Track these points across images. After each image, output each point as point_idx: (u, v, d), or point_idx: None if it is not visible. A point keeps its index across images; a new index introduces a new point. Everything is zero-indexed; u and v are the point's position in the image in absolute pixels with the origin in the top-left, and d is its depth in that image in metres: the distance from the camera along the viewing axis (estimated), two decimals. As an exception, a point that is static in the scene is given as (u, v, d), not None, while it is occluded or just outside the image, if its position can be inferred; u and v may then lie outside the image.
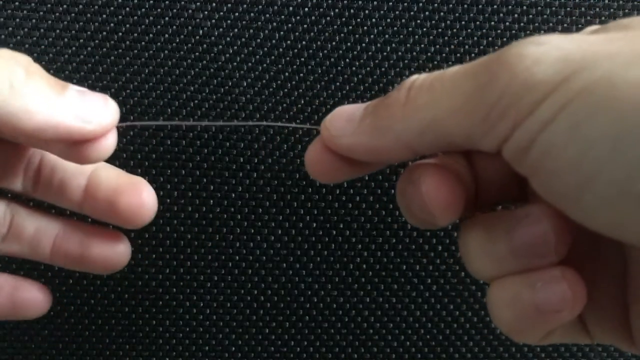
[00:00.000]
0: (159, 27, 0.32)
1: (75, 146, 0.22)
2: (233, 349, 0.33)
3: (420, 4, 0.32)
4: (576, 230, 0.19)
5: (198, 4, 0.32)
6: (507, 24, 0.32)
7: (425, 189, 0.20)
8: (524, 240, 0.19)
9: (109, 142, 0.23)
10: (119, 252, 0.26)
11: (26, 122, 0.20)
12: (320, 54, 0.32)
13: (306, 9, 0.32)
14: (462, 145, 0.19)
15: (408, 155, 0.20)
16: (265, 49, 0.32)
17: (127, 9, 0.32)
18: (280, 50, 0.32)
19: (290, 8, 0.32)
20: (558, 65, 0.16)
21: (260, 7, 0.32)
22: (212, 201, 0.32)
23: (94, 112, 0.22)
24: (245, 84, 0.32)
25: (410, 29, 0.32)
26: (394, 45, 0.32)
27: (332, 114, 0.22)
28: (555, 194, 0.17)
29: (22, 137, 0.22)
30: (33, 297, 0.27)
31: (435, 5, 0.32)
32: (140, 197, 0.25)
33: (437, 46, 0.32)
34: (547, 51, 0.16)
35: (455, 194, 0.20)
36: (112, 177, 0.25)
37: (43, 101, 0.21)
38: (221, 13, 0.32)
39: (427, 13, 0.32)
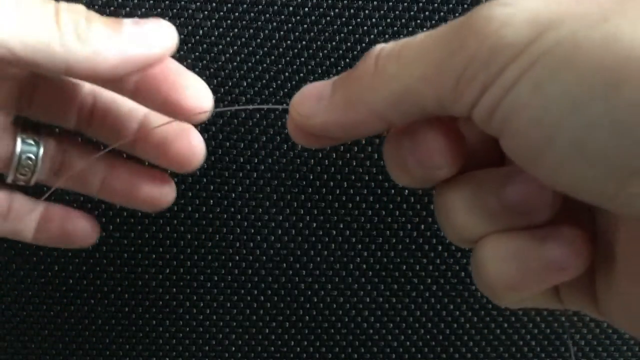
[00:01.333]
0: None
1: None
2: (233, 349, 0.33)
3: (420, 4, 0.32)
4: None
5: (198, 4, 0.32)
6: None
7: (432, 137, 0.20)
8: (520, 196, 0.19)
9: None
10: (164, 193, 0.27)
11: (99, 64, 0.21)
12: (320, 54, 0.32)
13: (306, 9, 0.32)
14: (435, 112, 0.18)
15: (383, 126, 0.20)
16: (265, 49, 0.32)
17: (127, 9, 0.32)
18: (280, 50, 0.32)
19: (290, 8, 0.32)
20: (525, 27, 0.16)
21: (260, 7, 0.32)
22: (212, 201, 0.32)
23: (154, 37, 0.23)
24: (245, 84, 0.32)
25: (410, 29, 0.32)
26: (394, 45, 0.32)
27: (300, 94, 0.21)
28: (519, 155, 0.17)
29: (101, 80, 0.23)
30: (81, 228, 0.27)
31: (435, 5, 0.32)
32: (189, 143, 0.26)
33: (437, 46, 0.32)
34: (514, 13, 0.16)
35: (458, 144, 0.20)
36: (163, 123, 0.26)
37: (108, 42, 0.22)
38: (221, 13, 0.32)
39: (427, 13, 0.32)
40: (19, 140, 0.26)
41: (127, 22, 0.23)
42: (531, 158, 0.17)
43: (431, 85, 0.18)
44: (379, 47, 0.20)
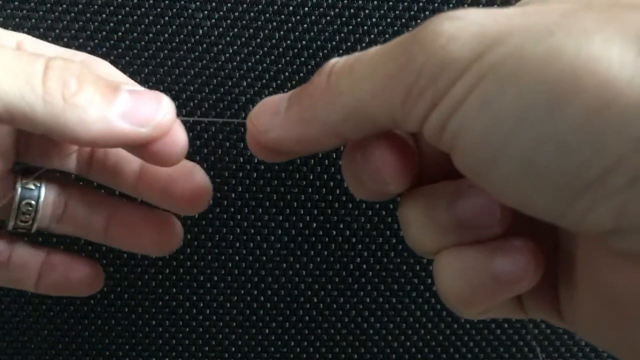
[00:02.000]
0: (158, 26, 0.32)
1: (144, 150, 0.22)
2: (233, 349, 0.33)
3: (420, 4, 0.32)
4: None
5: (198, 3, 0.32)
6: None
7: (379, 154, 0.20)
8: (469, 211, 0.19)
9: (179, 141, 0.22)
10: (170, 237, 0.26)
11: (81, 133, 0.20)
12: (320, 54, 0.32)
13: (306, 9, 0.32)
14: (387, 127, 0.18)
15: (337, 142, 0.20)
16: (265, 48, 0.32)
17: (127, 8, 0.31)
18: (280, 50, 0.32)
19: (290, 8, 0.32)
20: (473, 42, 0.16)
21: (260, 6, 0.32)
22: (212, 201, 0.32)
23: (147, 115, 0.21)
24: (245, 83, 0.32)
25: (410, 28, 0.32)
26: (394, 45, 0.32)
27: (257, 109, 0.21)
28: (469, 171, 0.17)
29: (81, 145, 0.22)
30: (85, 276, 0.26)
31: (436, 5, 0.32)
32: (194, 184, 0.25)
33: (438, 46, 0.32)
34: (462, 27, 0.16)
35: (408, 160, 0.20)
36: None
37: (95, 111, 0.20)
38: (221, 13, 0.32)
39: (427, 13, 0.32)
40: (18, 186, 0.24)
41: (125, 91, 0.21)
42: (481, 174, 0.17)
43: (381, 100, 0.18)
44: (333, 61, 0.19)
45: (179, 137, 0.23)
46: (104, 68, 0.26)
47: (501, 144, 0.16)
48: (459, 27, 0.16)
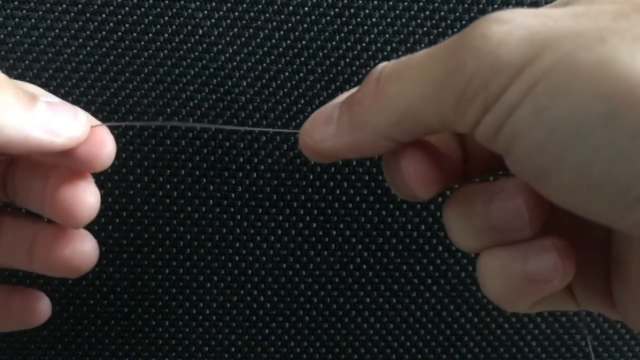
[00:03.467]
0: (158, 26, 0.32)
1: (68, 156, 0.22)
2: (233, 349, 0.33)
3: (421, 4, 0.32)
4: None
5: (198, 3, 0.32)
6: (508, 23, 0.32)
7: (404, 164, 0.20)
8: (499, 215, 0.20)
9: (107, 149, 0.23)
10: (84, 251, 0.25)
11: None
12: (320, 54, 0.32)
13: (306, 9, 0.32)
14: (439, 129, 0.19)
15: (391, 145, 0.20)
16: (265, 48, 0.32)
17: (127, 8, 0.31)
18: (280, 49, 0.32)
19: (290, 7, 0.32)
20: (523, 46, 0.16)
21: (260, 6, 0.32)
22: (211, 201, 0.32)
23: (63, 126, 0.22)
24: (245, 83, 0.32)
25: (410, 28, 0.32)
26: (394, 45, 0.32)
27: (310, 120, 0.22)
28: (525, 176, 0.18)
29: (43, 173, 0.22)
30: (29, 307, 0.26)
31: (436, 4, 0.32)
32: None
33: (438, 46, 0.32)
34: (511, 31, 0.16)
35: (435, 168, 0.21)
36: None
37: (12, 116, 0.21)
38: (221, 12, 0.32)
39: (427, 13, 0.32)
40: None
41: (43, 102, 0.22)
42: (536, 180, 0.17)
43: (431, 104, 0.18)
44: (380, 66, 0.20)
45: (106, 143, 0.23)
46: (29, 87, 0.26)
47: (556, 153, 0.16)
48: (508, 30, 0.16)
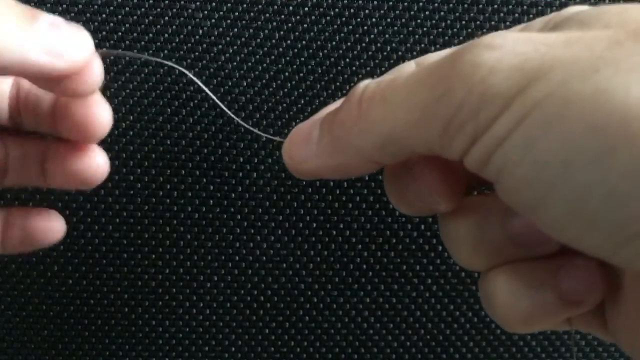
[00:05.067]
0: (158, 26, 0.32)
1: (53, 81, 0.21)
2: (233, 349, 0.33)
3: (421, 4, 0.32)
4: None
5: (198, 3, 0.32)
6: (508, 23, 0.32)
7: (429, 174, 0.20)
8: (524, 229, 0.19)
9: (94, 73, 0.21)
10: (96, 163, 0.25)
11: None
12: (320, 54, 0.32)
13: (306, 9, 0.32)
14: (424, 153, 0.18)
15: (374, 167, 0.20)
16: (265, 48, 0.32)
17: (127, 8, 0.31)
18: (280, 49, 0.32)
19: (290, 8, 0.32)
20: (514, 75, 0.15)
21: (260, 6, 0.32)
22: (211, 201, 0.32)
23: (65, 47, 0.20)
24: (245, 83, 0.32)
25: (410, 28, 0.32)
26: (394, 45, 0.32)
27: (289, 140, 0.21)
28: (515, 206, 0.17)
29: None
30: (45, 226, 0.26)
31: (436, 5, 0.32)
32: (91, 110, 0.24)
33: (438, 46, 0.32)
34: (501, 58, 0.16)
35: (456, 178, 0.20)
36: None
37: (9, 36, 0.19)
38: (221, 13, 0.32)
39: (427, 12, 0.32)
40: None
41: (44, 20, 0.20)
42: (527, 211, 0.16)
43: (417, 130, 0.17)
44: (362, 85, 0.19)
45: (94, 70, 0.22)
46: None
47: (547, 187, 0.15)
48: (498, 58, 0.16)
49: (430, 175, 0.20)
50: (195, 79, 0.25)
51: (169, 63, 0.27)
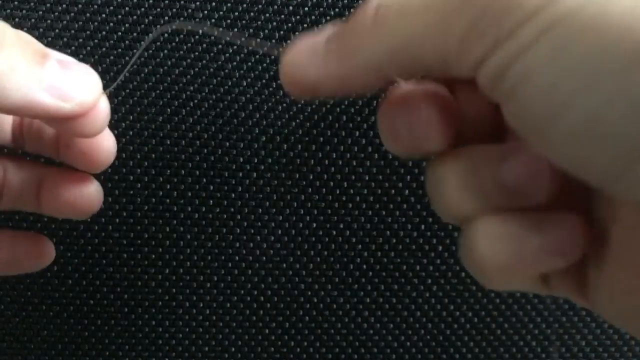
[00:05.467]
0: (158, 26, 0.32)
1: (59, 122, 0.21)
2: (233, 349, 0.33)
3: (421, 4, 0.32)
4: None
5: (198, 3, 0.31)
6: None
7: (425, 109, 0.19)
8: (517, 175, 0.18)
9: (101, 115, 0.21)
10: (89, 194, 0.25)
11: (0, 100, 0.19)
12: (320, 54, 0.32)
13: (306, 9, 0.32)
14: (436, 68, 0.17)
15: (379, 82, 0.19)
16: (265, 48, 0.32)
17: (127, 8, 0.31)
18: (280, 49, 0.32)
19: (290, 7, 0.32)
20: None
21: (260, 6, 0.32)
22: (211, 201, 0.32)
23: (73, 89, 0.20)
24: (245, 83, 0.32)
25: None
26: (394, 44, 0.32)
27: (293, 48, 0.20)
28: (525, 124, 0.16)
29: None
30: (34, 251, 0.26)
31: (436, 4, 0.32)
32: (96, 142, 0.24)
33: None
34: None
35: (452, 118, 0.19)
36: None
37: (18, 78, 0.19)
38: (221, 12, 0.32)
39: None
40: None
41: (54, 60, 0.20)
42: (538, 129, 0.16)
43: (435, 37, 0.16)
44: None
45: (101, 112, 0.21)
46: None
47: (568, 98, 0.15)
48: None
49: (426, 107, 0.19)
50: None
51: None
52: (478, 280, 0.20)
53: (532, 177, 0.18)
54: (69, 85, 0.20)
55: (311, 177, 0.32)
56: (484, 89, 0.17)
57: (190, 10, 0.32)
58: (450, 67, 0.17)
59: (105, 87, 0.22)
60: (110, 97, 0.23)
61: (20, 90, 0.19)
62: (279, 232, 0.33)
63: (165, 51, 0.32)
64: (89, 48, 0.31)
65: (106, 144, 0.24)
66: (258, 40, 0.25)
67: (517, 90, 0.16)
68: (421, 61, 0.17)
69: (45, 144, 0.25)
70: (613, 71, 0.14)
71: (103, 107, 0.22)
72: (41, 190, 0.25)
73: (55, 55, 0.21)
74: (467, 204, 0.19)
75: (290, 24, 0.32)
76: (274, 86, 0.32)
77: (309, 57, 0.19)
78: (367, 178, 0.32)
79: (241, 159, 0.32)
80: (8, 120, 0.25)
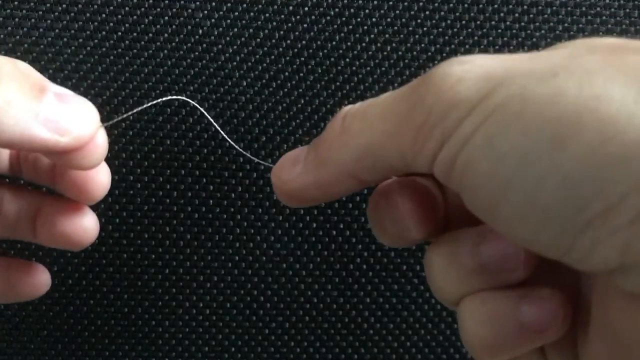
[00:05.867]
0: (158, 26, 0.32)
1: (56, 155, 0.21)
2: (233, 349, 0.33)
3: (421, 3, 0.32)
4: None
5: (198, 3, 0.31)
6: (508, 23, 0.32)
7: (401, 201, 0.21)
8: (493, 254, 0.19)
9: (98, 148, 0.22)
10: (85, 226, 0.25)
11: None
12: (320, 54, 0.32)
13: (306, 8, 0.32)
14: (400, 168, 0.19)
15: (355, 185, 0.20)
16: (265, 48, 0.32)
17: (127, 8, 0.31)
18: (280, 49, 0.32)
19: (290, 7, 0.32)
20: (480, 83, 0.16)
21: (259, 6, 0.32)
22: (211, 201, 0.32)
23: (70, 123, 0.20)
24: (245, 83, 0.32)
25: (410, 28, 0.32)
26: (394, 44, 0.32)
27: (280, 162, 0.22)
28: (478, 209, 0.18)
29: None
30: (29, 280, 0.26)
31: (436, 4, 0.32)
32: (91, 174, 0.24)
33: (438, 45, 0.32)
34: (470, 69, 0.17)
35: (430, 207, 0.21)
36: None
37: (15, 112, 0.19)
38: (221, 12, 0.32)
39: (427, 12, 0.32)
40: None
41: (51, 94, 0.20)
42: (488, 212, 0.17)
43: (392, 139, 0.18)
44: (348, 107, 0.20)
45: (98, 146, 0.22)
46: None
47: (506, 180, 0.16)
48: (467, 69, 0.17)
49: (404, 200, 0.21)
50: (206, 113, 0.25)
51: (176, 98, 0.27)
52: None
53: (508, 254, 0.19)
54: (66, 119, 0.20)
55: (311, 177, 0.32)
56: (442, 182, 0.18)
57: (190, 10, 0.32)
58: (410, 165, 0.18)
59: (102, 121, 0.22)
60: (108, 131, 0.23)
61: (17, 125, 0.19)
62: (279, 232, 0.33)
63: (166, 51, 0.32)
64: (89, 48, 0.31)
65: (101, 177, 0.24)
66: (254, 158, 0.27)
67: (464, 180, 0.17)
68: (385, 162, 0.19)
69: (41, 173, 0.25)
70: (539, 152, 0.15)
71: (100, 141, 0.22)
72: (37, 220, 0.25)
73: (53, 88, 0.21)
74: (452, 287, 0.20)
75: (290, 24, 0.32)
76: (274, 86, 0.32)
77: (292, 167, 0.21)
78: (367, 178, 0.32)
79: (241, 159, 0.32)
80: (5, 149, 0.25)
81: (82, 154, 0.21)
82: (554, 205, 0.15)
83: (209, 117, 0.26)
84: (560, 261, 0.16)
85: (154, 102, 0.26)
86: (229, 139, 0.26)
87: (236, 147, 0.26)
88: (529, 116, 0.15)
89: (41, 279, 0.26)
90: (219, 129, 0.26)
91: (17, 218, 0.25)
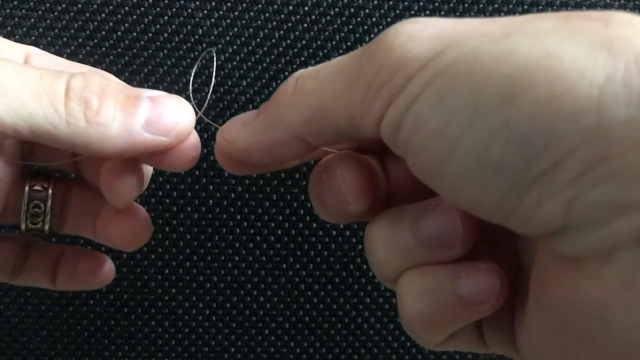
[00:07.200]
0: (158, 26, 0.32)
1: (161, 157, 0.22)
2: (232, 349, 0.33)
3: (421, 3, 0.32)
4: (479, 227, 0.19)
5: (197, 2, 0.31)
6: (508, 23, 0.32)
7: (340, 173, 0.20)
8: (432, 229, 0.19)
9: (194, 145, 0.22)
10: (137, 229, 0.26)
11: (105, 148, 0.20)
12: (320, 54, 0.32)
13: (306, 8, 0.32)
14: (349, 131, 0.19)
15: (302, 149, 0.20)
16: (265, 48, 0.32)
17: (127, 8, 0.31)
18: (280, 49, 0.32)
19: (290, 7, 0.32)
20: (432, 42, 0.16)
21: (259, 6, 0.32)
22: (211, 201, 0.32)
23: (169, 123, 0.21)
24: (245, 83, 0.32)
25: (410, 28, 0.32)
26: (394, 44, 0.32)
27: (227, 122, 0.22)
28: (424, 172, 0.17)
29: (106, 158, 0.22)
30: (95, 270, 0.27)
31: (436, 4, 0.32)
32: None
33: (438, 45, 0.32)
34: (422, 28, 0.17)
35: (369, 179, 0.21)
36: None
37: (118, 126, 0.20)
38: (220, 12, 0.32)
39: (427, 13, 0.32)
40: (26, 189, 0.25)
41: (146, 99, 0.21)
42: (434, 172, 0.17)
43: (342, 100, 0.18)
44: (301, 70, 0.20)
45: (193, 140, 0.22)
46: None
47: (455, 138, 0.16)
48: (420, 28, 0.17)
49: (344, 173, 0.20)
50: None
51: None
52: (414, 339, 0.21)
53: (447, 230, 0.19)
54: (165, 120, 0.21)
55: (311, 177, 0.32)
56: (388, 144, 0.18)
57: (190, 10, 0.32)
58: (358, 128, 0.18)
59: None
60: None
61: (122, 136, 0.20)
62: (279, 232, 0.33)
63: (165, 51, 0.32)
64: (88, 48, 0.31)
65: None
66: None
67: (411, 140, 0.17)
68: (334, 124, 0.19)
69: (96, 177, 0.25)
70: (490, 109, 0.15)
71: (195, 138, 0.23)
72: (97, 220, 0.26)
73: (147, 93, 0.22)
74: (392, 263, 0.20)
75: (290, 24, 0.32)
76: (274, 86, 0.32)
77: (240, 127, 0.21)
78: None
79: (241, 159, 0.32)
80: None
81: (179, 151, 0.22)
82: (502, 161, 0.15)
83: (206, 118, 0.26)
84: (501, 225, 0.16)
85: None
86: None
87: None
88: (480, 74, 0.15)
89: (105, 269, 0.27)
90: (216, 126, 0.26)
91: (82, 217, 0.26)
